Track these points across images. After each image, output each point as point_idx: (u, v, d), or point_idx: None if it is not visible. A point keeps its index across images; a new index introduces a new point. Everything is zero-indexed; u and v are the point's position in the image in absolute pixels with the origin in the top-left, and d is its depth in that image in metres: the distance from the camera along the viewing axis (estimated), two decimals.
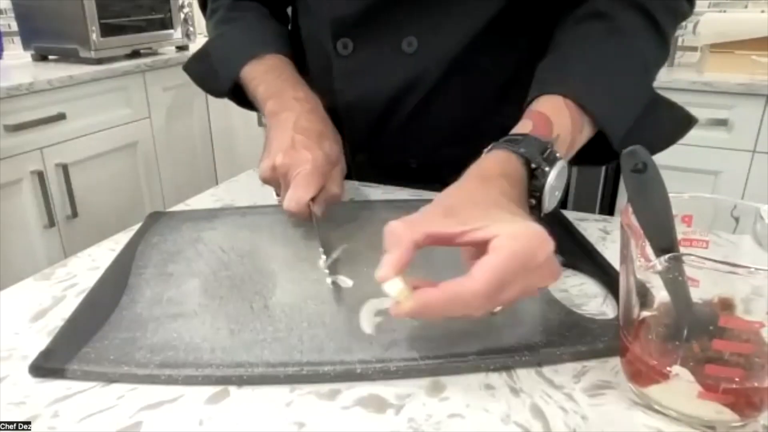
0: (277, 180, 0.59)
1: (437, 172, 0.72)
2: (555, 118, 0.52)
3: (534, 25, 0.68)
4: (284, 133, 0.60)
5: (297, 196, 0.55)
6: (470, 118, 0.72)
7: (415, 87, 0.69)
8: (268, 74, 0.69)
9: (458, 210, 0.42)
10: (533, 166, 0.47)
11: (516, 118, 0.55)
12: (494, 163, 0.48)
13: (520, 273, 0.38)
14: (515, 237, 0.39)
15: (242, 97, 0.75)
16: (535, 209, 0.49)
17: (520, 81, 0.62)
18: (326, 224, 0.62)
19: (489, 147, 0.50)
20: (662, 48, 0.60)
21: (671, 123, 0.61)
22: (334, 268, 0.52)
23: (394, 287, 0.39)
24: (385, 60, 0.69)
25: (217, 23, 0.79)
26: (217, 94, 0.78)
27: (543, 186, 0.48)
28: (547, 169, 0.47)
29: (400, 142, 0.74)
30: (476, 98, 0.71)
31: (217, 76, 0.75)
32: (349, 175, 0.77)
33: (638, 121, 0.57)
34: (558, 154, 0.49)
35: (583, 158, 0.58)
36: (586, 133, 0.55)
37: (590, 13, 0.59)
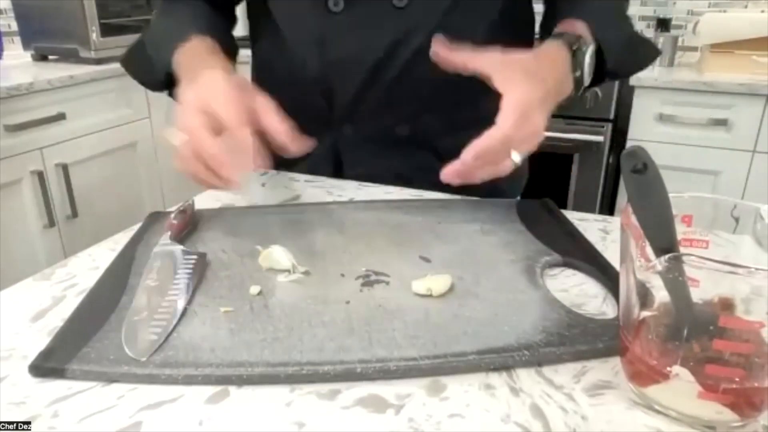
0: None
1: (426, 140, 0.75)
2: (577, 25, 0.67)
3: None
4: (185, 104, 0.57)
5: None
6: (452, 81, 0.70)
7: (404, 43, 0.70)
8: (194, 57, 0.67)
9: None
10: (574, 48, 0.63)
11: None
12: (548, 47, 0.64)
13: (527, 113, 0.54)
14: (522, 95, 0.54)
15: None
16: (578, 81, 0.64)
17: (509, 24, 0.74)
18: (326, 224, 0.62)
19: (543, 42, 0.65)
20: None
21: (644, 51, 0.77)
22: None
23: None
24: (376, 14, 0.70)
25: (156, 15, 0.79)
26: (155, 87, 0.76)
27: (583, 60, 0.64)
28: (583, 48, 0.64)
29: (385, 106, 0.73)
30: (465, 47, 0.72)
31: (153, 67, 0.73)
32: (337, 153, 0.78)
33: (624, 47, 0.72)
34: (588, 41, 0.65)
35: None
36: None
37: None
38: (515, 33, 0.76)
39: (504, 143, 0.54)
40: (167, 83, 0.72)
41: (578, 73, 0.64)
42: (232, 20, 0.85)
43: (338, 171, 0.80)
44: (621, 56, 0.70)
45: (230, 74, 0.59)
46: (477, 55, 0.58)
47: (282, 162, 0.76)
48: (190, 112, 0.55)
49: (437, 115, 0.75)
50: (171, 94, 0.77)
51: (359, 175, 0.78)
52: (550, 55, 0.63)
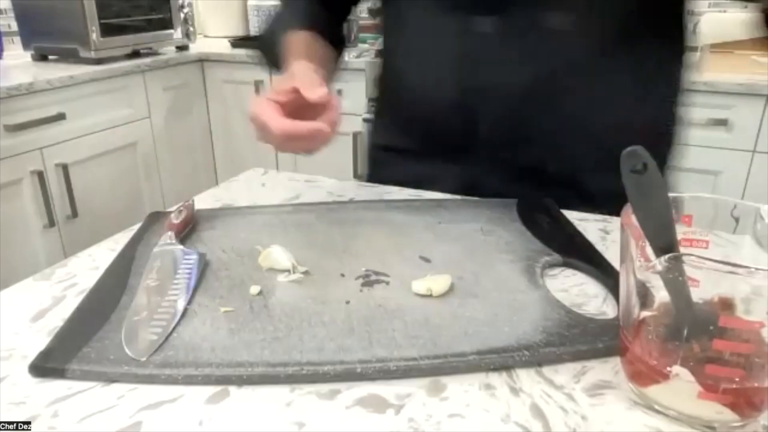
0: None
1: (572, 178, 0.68)
2: None
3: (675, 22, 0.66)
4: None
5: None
6: (609, 118, 0.66)
7: (561, 71, 0.63)
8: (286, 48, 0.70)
9: None
10: None
11: (655, 119, 0.61)
12: None
13: None
14: None
15: None
16: None
17: (664, 80, 0.66)
18: (326, 224, 0.62)
19: None
20: None
21: None
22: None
23: None
24: (531, 38, 0.63)
25: (278, 7, 0.83)
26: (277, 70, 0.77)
27: None
28: None
29: (529, 136, 0.66)
30: (619, 94, 0.66)
31: (274, 55, 0.75)
32: (469, 183, 0.71)
33: None
34: None
35: None
36: None
37: None
38: (676, 80, 0.69)
39: None
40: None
41: None
42: (344, 15, 0.84)
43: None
44: None
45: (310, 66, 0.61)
46: None
47: (411, 182, 0.74)
48: (266, 95, 0.56)
49: (585, 153, 0.67)
50: None
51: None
52: None
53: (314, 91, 0.54)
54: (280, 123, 0.52)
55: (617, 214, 0.44)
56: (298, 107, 0.55)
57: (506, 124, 0.67)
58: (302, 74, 0.58)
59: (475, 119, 0.66)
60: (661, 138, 0.71)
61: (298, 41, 0.71)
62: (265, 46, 0.81)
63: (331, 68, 0.75)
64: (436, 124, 0.70)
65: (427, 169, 0.74)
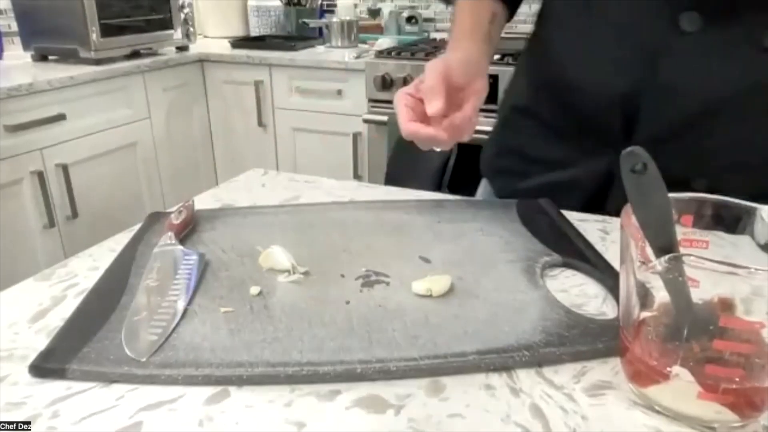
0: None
1: None
2: None
3: None
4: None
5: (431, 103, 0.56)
6: None
7: (756, 93, 0.58)
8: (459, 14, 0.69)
9: None
10: None
11: None
12: None
13: None
14: None
15: None
16: None
17: None
18: (326, 224, 0.62)
19: None
20: None
21: None
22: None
23: None
24: (734, 49, 0.58)
25: None
26: None
27: None
28: None
29: (692, 150, 0.61)
30: None
31: None
32: (607, 181, 0.67)
33: None
34: None
35: None
36: None
37: None
38: None
39: None
40: None
41: None
42: None
43: (599, 199, 0.69)
44: None
45: (466, 60, 0.62)
46: None
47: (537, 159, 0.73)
48: (408, 88, 0.60)
49: (745, 178, 0.61)
50: None
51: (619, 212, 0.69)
52: None
53: (431, 105, 0.56)
54: (405, 125, 0.58)
55: None
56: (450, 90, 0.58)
57: (673, 132, 0.62)
58: (434, 76, 0.58)
59: (640, 119, 0.62)
60: None
61: (465, 13, 0.69)
62: None
63: (496, 36, 0.71)
64: (591, 115, 0.66)
65: (563, 150, 0.71)
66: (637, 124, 0.62)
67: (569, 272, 0.54)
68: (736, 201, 0.40)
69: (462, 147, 0.83)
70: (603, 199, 0.68)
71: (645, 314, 0.38)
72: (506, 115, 0.81)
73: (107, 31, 1.95)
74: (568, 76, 0.68)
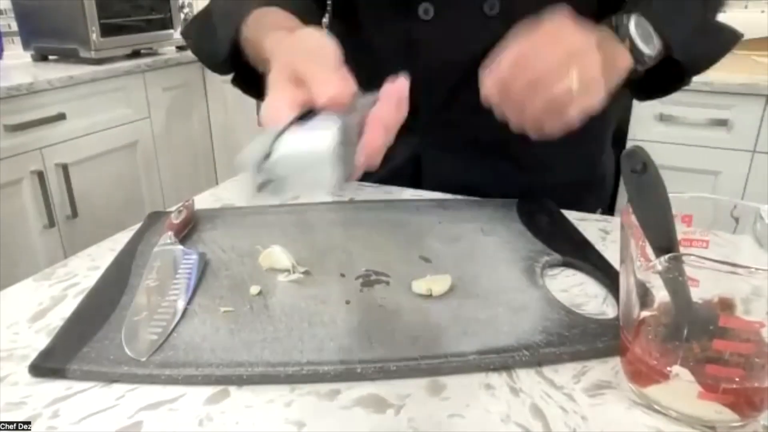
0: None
1: (509, 149, 0.72)
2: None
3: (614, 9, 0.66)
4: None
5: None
6: None
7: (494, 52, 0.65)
8: (271, 28, 0.57)
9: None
10: (614, 23, 0.59)
11: None
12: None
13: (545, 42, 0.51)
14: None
15: (245, 77, 0.68)
16: (633, 52, 0.59)
17: None
18: (326, 224, 0.62)
19: None
20: None
21: (720, 38, 0.68)
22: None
23: None
24: (466, 23, 0.67)
25: None
26: (217, 68, 0.69)
27: (627, 28, 0.59)
28: (623, 20, 0.59)
29: (471, 115, 0.65)
30: None
31: (216, 41, 0.65)
32: (416, 165, 0.75)
33: (694, 35, 0.63)
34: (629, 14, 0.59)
35: (650, 87, 0.68)
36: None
37: None
38: None
39: (524, 62, 0.51)
40: (231, 66, 0.66)
41: (627, 43, 0.59)
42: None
43: (415, 183, 0.77)
44: (688, 39, 0.62)
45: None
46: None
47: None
48: (276, 87, 0.43)
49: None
50: (235, 82, 0.73)
51: (437, 187, 0.75)
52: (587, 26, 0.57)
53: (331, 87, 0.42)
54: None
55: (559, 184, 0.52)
56: None
57: (449, 105, 0.70)
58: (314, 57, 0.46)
59: (420, 102, 0.65)
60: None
61: (274, 17, 0.60)
62: (200, 30, 0.70)
63: None
64: None
65: None
66: (420, 107, 0.66)
67: (569, 272, 0.54)
68: (736, 201, 0.40)
69: None
70: (418, 180, 0.77)
71: (645, 314, 0.38)
72: None
73: (107, 30, 1.95)
74: (360, 76, 0.66)
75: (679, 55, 0.61)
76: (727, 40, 0.68)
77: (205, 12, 0.70)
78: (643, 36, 0.60)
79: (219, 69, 0.70)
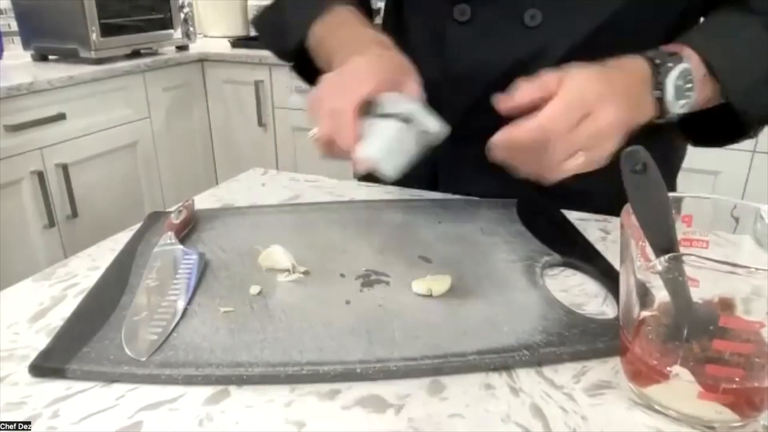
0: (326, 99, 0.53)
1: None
2: (685, 46, 0.56)
3: (660, 30, 0.64)
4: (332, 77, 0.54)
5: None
6: None
7: (531, 64, 0.62)
8: (340, 28, 0.64)
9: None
10: (657, 61, 0.53)
11: None
12: (623, 59, 0.55)
13: (581, 105, 0.48)
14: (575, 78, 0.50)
15: (308, 69, 0.71)
16: (660, 102, 0.54)
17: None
18: (327, 224, 0.62)
19: None
20: None
21: None
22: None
23: None
24: (503, 30, 0.65)
25: None
26: (285, 55, 0.73)
27: (666, 77, 0.53)
28: (670, 64, 0.53)
29: (495, 125, 0.64)
30: None
31: (287, 32, 0.69)
32: (433, 171, 0.73)
33: (759, 85, 0.58)
34: (684, 59, 0.54)
35: (709, 136, 0.64)
36: (708, 88, 0.57)
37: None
38: None
39: (542, 136, 0.48)
40: (298, 55, 0.69)
41: (658, 93, 0.54)
42: None
43: (432, 188, 0.76)
44: (754, 89, 0.56)
45: (388, 52, 0.57)
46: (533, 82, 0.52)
47: (369, 176, 0.72)
48: (326, 94, 0.52)
49: None
50: (298, 69, 0.74)
51: (453, 192, 0.74)
52: (623, 64, 0.54)
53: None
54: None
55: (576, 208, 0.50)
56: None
57: (475, 113, 0.67)
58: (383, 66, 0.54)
59: (446, 106, 0.64)
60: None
61: (347, 19, 0.65)
62: (272, 21, 0.73)
63: None
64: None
65: None
66: (446, 111, 0.63)
67: (569, 272, 0.54)
68: (736, 201, 0.40)
69: None
70: (434, 185, 0.75)
71: (645, 314, 0.38)
72: None
73: (107, 30, 1.95)
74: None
75: (739, 105, 0.56)
76: None
77: (278, 3, 0.73)
78: (678, 91, 0.54)
79: (285, 57, 0.73)
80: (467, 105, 0.68)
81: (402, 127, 0.51)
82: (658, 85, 0.53)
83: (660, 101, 0.54)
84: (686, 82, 0.54)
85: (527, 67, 0.62)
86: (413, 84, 0.55)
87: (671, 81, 0.53)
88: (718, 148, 0.66)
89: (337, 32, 0.64)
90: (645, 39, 0.60)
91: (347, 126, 0.50)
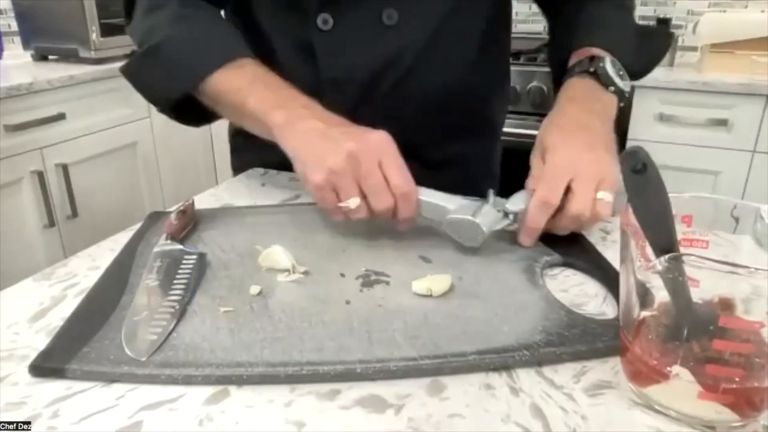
0: (338, 183, 0.55)
1: (416, 151, 0.67)
2: (585, 49, 0.70)
3: (477, 31, 0.74)
4: (316, 136, 0.55)
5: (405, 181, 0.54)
6: (449, 83, 0.74)
7: (397, 59, 0.69)
8: (255, 84, 0.62)
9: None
10: (592, 70, 0.65)
11: (489, 74, 0.78)
12: (570, 86, 0.66)
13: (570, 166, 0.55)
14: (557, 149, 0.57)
15: (184, 109, 0.69)
16: (618, 92, 0.65)
17: (493, 37, 0.77)
18: (326, 224, 0.62)
19: (563, 79, 0.68)
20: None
21: (657, 41, 0.79)
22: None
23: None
24: (365, 33, 0.69)
25: (171, 21, 0.67)
26: (163, 102, 0.69)
27: (608, 74, 0.65)
28: (601, 65, 0.65)
29: (381, 117, 0.65)
30: (455, 61, 0.74)
31: (171, 80, 0.66)
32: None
33: (635, 46, 0.72)
34: (599, 54, 0.67)
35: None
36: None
37: None
38: (500, 48, 0.81)
39: (544, 205, 0.54)
40: (180, 103, 0.67)
41: (612, 88, 0.65)
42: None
43: None
44: (635, 55, 0.71)
45: (323, 109, 0.60)
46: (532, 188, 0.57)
47: (278, 165, 0.77)
48: (333, 175, 0.54)
49: (428, 127, 0.76)
50: (177, 116, 0.71)
51: None
52: (578, 93, 0.65)
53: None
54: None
55: (461, 178, 0.61)
56: None
57: (354, 113, 0.66)
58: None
59: (328, 108, 0.64)
60: (492, 96, 0.83)
61: (269, 81, 0.63)
62: (149, 68, 0.68)
63: None
64: None
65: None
66: (338, 113, 0.64)
67: (569, 272, 0.54)
68: (736, 201, 0.40)
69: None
70: None
71: (645, 314, 0.38)
72: (232, 142, 0.93)
73: (107, 30, 1.95)
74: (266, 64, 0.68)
75: (631, 68, 0.68)
76: (664, 44, 0.79)
77: (153, 52, 0.67)
78: (619, 76, 0.66)
79: (164, 106, 0.70)
80: (349, 105, 0.69)
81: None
82: (607, 82, 0.65)
83: (615, 92, 0.65)
84: (616, 66, 0.66)
85: (393, 63, 0.70)
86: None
87: (612, 73, 0.65)
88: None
89: (254, 87, 0.62)
90: (469, 36, 0.73)
91: (412, 203, 0.55)
